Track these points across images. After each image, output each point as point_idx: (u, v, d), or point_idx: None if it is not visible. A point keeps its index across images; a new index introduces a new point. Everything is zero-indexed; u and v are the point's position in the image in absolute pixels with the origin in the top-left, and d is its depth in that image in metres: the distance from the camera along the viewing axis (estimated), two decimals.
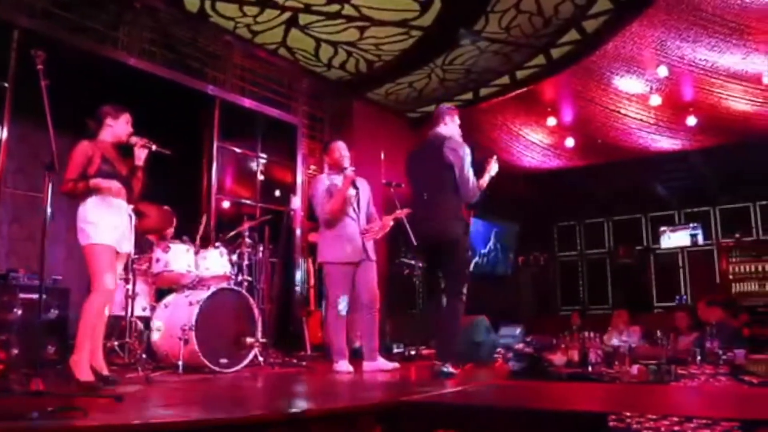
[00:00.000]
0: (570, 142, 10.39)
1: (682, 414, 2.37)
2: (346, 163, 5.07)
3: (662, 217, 12.44)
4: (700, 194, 11.74)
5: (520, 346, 6.20)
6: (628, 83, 8.58)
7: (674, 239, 12.18)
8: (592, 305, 12.88)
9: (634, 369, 4.38)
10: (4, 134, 5.27)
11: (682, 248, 12.09)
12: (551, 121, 9.77)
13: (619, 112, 9.37)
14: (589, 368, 4.93)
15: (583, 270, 13.24)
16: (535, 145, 10.78)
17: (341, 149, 5.15)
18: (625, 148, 10.51)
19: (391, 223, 5.64)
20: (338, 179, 5.06)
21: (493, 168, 4.81)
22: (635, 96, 8.87)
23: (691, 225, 12.06)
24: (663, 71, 8.07)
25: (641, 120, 9.57)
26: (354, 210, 5.04)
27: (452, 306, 4.48)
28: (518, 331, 7.42)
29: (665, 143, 10.37)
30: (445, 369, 4.38)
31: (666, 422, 2.29)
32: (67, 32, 5.79)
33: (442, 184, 4.51)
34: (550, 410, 2.90)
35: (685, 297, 11.66)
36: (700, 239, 11.92)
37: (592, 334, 6.56)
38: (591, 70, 8.33)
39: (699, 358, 5.33)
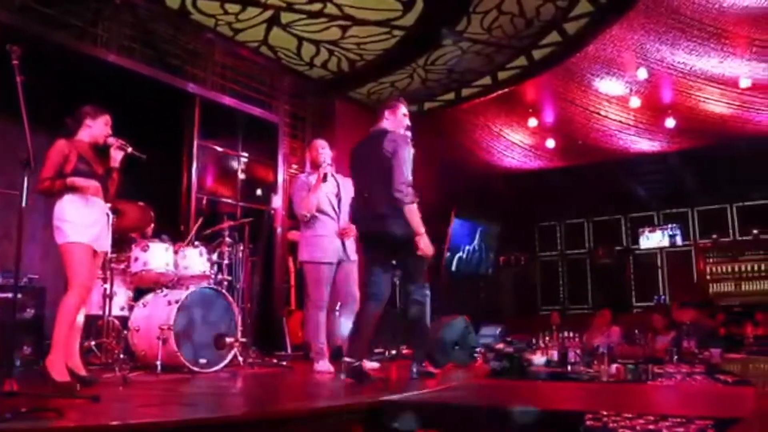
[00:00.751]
0: (551, 143, 10.47)
1: (658, 413, 2.39)
2: (327, 160, 5.05)
3: (641, 218, 12.58)
4: (679, 195, 11.89)
5: (500, 345, 6.22)
6: (608, 85, 8.66)
7: (653, 240, 12.31)
8: (572, 305, 12.99)
9: (613, 368, 4.41)
10: None
11: (661, 249, 12.23)
12: (532, 122, 9.83)
13: (599, 113, 9.45)
14: (569, 368, 4.97)
15: (563, 270, 13.34)
16: (516, 145, 10.84)
17: (320, 147, 5.14)
18: (605, 149, 10.61)
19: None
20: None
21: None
22: (615, 98, 8.97)
23: (669, 226, 12.20)
24: (642, 73, 8.16)
25: (621, 122, 9.67)
26: (334, 209, 5.03)
27: (414, 307, 4.30)
28: (498, 330, 7.45)
29: (644, 145, 10.48)
30: (422, 370, 4.32)
31: (641, 421, 2.32)
32: (45, 28, 5.70)
33: (382, 179, 4.15)
34: (526, 409, 2.91)
35: (663, 297, 11.80)
36: (679, 240, 12.06)
37: (571, 334, 6.61)
38: (572, 72, 8.41)
39: (676, 357, 5.40)
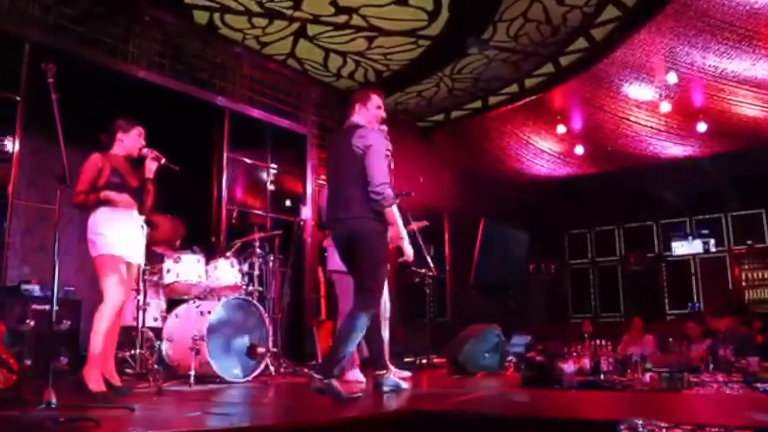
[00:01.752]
0: (580, 149, 10.38)
1: (695, 422, 2.35)
2: None
3: (673, 225, 12.37)
4: (712, 201, 11.67)
5: (531, 354, 6.17)
6: (637, 90, 8.57)
7: (686, 246, 12.10)
8: (603, 313, 12.81)
9: (647, 377, 4.35)
10: (17, 147, 5.32)
11: (694, 255, 12.01)
12: (561, 129, 9.76)
13: (628, 119, 9.35)
14: (601, 376, 4.91)
15: (594, 278, 13.17)
16: (544, 153, 10.77)
17: None
18: (636, 155, 10.49)
19: (404, 236, 5.64)
20: None
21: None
22: (645, 103, 8.86)
23: (702, 232, 11.98)
24: (672, 78, 8.05)
25: (651, 127, 9.55)
26: None
27: (352, 314, 3.81)
28: (529, 339, 7.40)
29: (676, 150, 10.33)
30: (389, 381, 3.98)
31: (678, 430, 2.28)
32: (77, 45, 5.84)
33: (352, 178, 3.85)
34: (562, 419, 2.89)
35: (698, 305, 11.57)
36: (712, 246, 11.83)
37: (603, 342, 6.53)
38: (600, 78, 8.33)
39: (712, 365, 5.29)
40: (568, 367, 5.73)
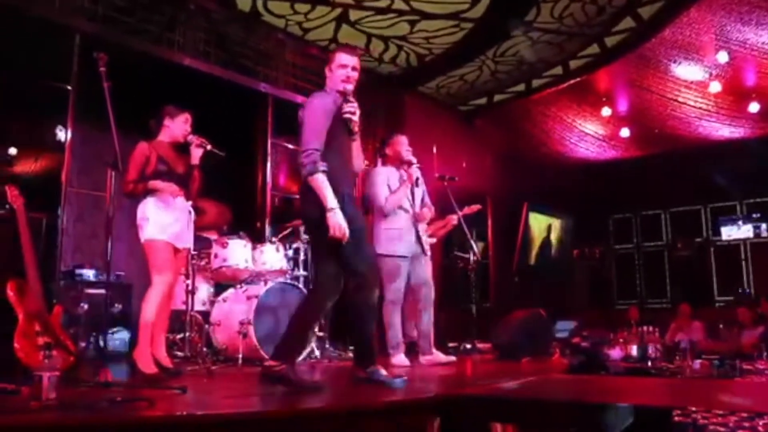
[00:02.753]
0: (625, 132, 10.20)
1: (752, 410, 2.30)
2: (409, 156, 5.05)
3: (723, 208, 12.04)
4: (764, 184, 11.32)
5: (577, 340, 6.13)
6: (686, 70, 8.34)
7: (736, 231, 11.78)
8: (649, 299, 12.59)
9: (696, 364, 4.28)
10: (69, 136, 5.46)
11: (744, 240, 11.69)
12: (606, 112, 9.59)
13: (677, 100, 9.11)
14: (649, 363, 4.85)
15: (640, 263, 12.94)
16: (589, 136, 10.60)
17: (406, 144, 5.14)
18: (684, 137, 10.23)
19: (455, 222, 5.64)
20: (395, 174, 5.06)
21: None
22: (694, 83, 8.62)
23: (753, 216, 11.64)
24: (723, 57, 7.81)
25: (700, 108, 9.29)
26: (410, 203, 5.04)
27: (308, 298, 3.67)
28: (574, 325, 7.33)
29: (726, 131, 10.05)
30: (376, 375, 3.52)
31: (734, 418, 2.23)
32: (125, 35, 5.94)
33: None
34: (610, 404, 2.85)
35: (748, 290, 11.28)
36: (764, 231, 11.49)
37: (651, 329, 6.43)
38: (647, 58, 8.13)
39: (766, 353, 5.17)
40: (615, 353, 5.67)
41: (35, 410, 2.42)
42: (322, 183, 3.35)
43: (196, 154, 4.24)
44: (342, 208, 3.35)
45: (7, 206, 3.94)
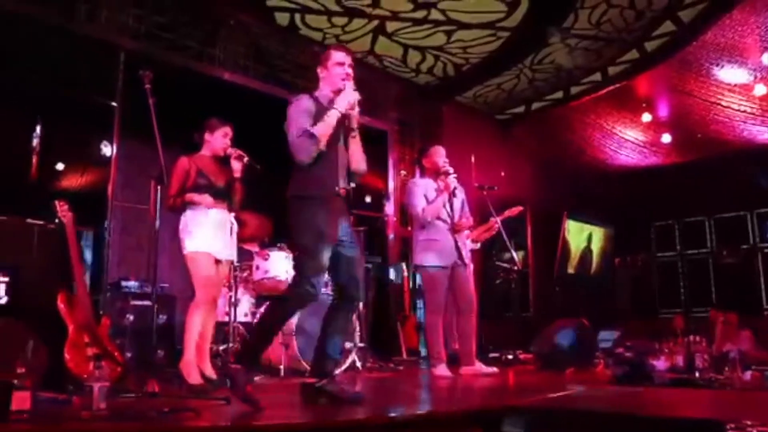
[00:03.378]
0: (667, 138, 10.00)
1: None
2: (446, 167, 5.04)
3: None
4: None
5: (620, 350, 6.00)
6: (729, 73, 8.15)
7: None
8: (694, 308, 12.29)
9: (747, 375, 4.15)
10: (114, 151, 5.59)
11: None
12: (646, 117, 9.43)
13: (720, 104, 8.91)
14: (696, 374, 4.72)
15: (683, 271, 12.65)
16: (629, 142, 10.43)
17: (442, 154, 5.15)
18: (728, 141, 9.99)
19: (498, 225, 5.60)
20: (432, 185, 5.07)
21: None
22: (738, 86, 8.42)
23: None
24: None
25: (744, 111, 9.07)
26: (448, 213, 5.03)
27: (276, 301, 3.47)
28: (617, 334, 7.20)
29: None
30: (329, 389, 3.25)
31: None
32: (167, 51, 6.08)
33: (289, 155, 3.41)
34: (660, 417, 2.79)
35: None
36: None
37: (698, 338, 6.27)
38: (688, 62, 7.99)
39: None
40: (660, 363, 5.54)
41: (87, 420, 2.47)
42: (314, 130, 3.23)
43: (236, 167, 4.29)
44: (326, 208, 3.26)
45: (57, 220, 4.04)
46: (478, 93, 8.83)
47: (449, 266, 4.92)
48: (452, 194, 5.00)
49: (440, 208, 4.95)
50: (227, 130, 4.33)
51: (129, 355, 4.93)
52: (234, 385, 3.08)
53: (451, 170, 5.00)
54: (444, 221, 5.00)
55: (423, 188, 5.05)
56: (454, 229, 5.01)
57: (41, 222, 4.32)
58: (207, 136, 4.31)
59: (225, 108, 4.91)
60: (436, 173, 5.09)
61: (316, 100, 3.36)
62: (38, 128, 5.77)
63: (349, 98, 3.33)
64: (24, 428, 2.39)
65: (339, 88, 3.37)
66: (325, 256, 3.26)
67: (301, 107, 3.30)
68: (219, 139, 4.30)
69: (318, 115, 3.28)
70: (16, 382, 2.52)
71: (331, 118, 3.27)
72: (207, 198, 4.11)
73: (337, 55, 3.43)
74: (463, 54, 7.66)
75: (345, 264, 3.36)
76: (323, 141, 3.26)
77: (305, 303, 3.33)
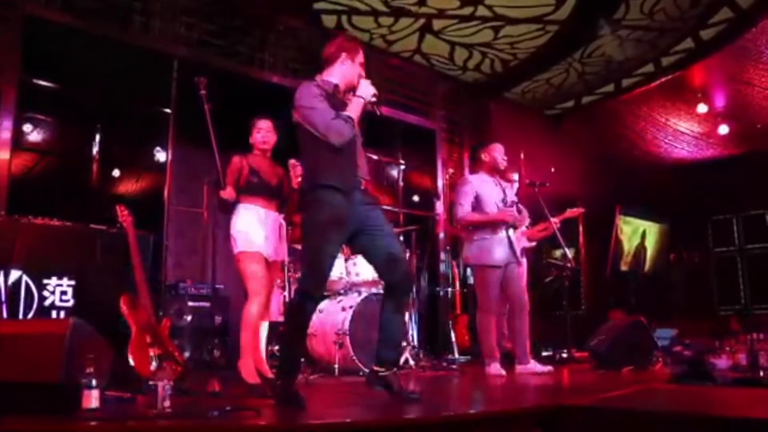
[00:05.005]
0: (724, 129, 9.70)
1: None
2: (504, 165, 5.08)
3: None
4: None
5: (678, 348, 5.86)
6: None
7: None
8: (755, 305, 11.89)
9: None
10: (170, 156, 5.74)
11: None
12: (702, 109, 9.17)
13: None
14: (761, 373, 4.59)
15: (743, 267, 12.26)
16: (684, 134, 10.17)
17: (501, 151, 5.14)
18: None
19: (557, 225, 5.55)
20: (488, 180, 5.04)
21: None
22: None
23: None
24: None
25: None
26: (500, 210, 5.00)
27: (293, 303, 3.49)
28: (674, 333, 7.03)
29: None
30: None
31: None
32: (218, 58, 6.21)
33: (300, 149, 3.41)
34: (725, 417, 2.72)
35: None
36: None
37: (762, 336, 6.07)
38: (747, 50, 7.73)
39: None
40: (721, 362, 5.39)
41: (152, 418, 2.55)
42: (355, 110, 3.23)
43: (295, 178, 4.30)
44: (345, 199, 3.21)
45: (118, 225, 4.17)
46: (527, 89, 8.74)
47: (503, 264, 4.88)
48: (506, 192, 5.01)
49: (485, 224, 4.91)
50: (260, 124, 4.29)
51: (187, 355, 5.05)
52: (290, 401, 3.08)
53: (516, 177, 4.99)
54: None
55: (471, 187, 5.00)
56: (512, 226, 5.00)
57: (104, 227, 4.46)
58: (251, 136, 4.36)
59: (275, 111, 4.98)
60: (494, 169, 5.07)
61: (320, 87, 3.31)
62: (97, 137, 5.98)
63: (370, 90, 3.31)
64: (94, 426, 2.47)
65: (353, 84, 3.36)
66: (337, 246, 3.27)
67: (315, 92, 3.26)
68: (256, 135, 4.32)
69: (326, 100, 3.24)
70: (85, 381, 2.62)
71: (358, 105, 3.27)
72: (228, 191, 4.05)
73: (362, 55, 3.45)
74: (511, 50, 7.59)
75: (383, 252, 3.33)
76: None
77: (315, 298, 3.33)
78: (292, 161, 4.24)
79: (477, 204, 4.95)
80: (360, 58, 3.43)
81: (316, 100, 3.22)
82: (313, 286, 3.23)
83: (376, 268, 3.44)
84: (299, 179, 4.11)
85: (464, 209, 4.93)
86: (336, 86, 3.36)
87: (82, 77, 5.61)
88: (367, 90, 3.31)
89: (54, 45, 5.33)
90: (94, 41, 5.48)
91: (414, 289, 6.19)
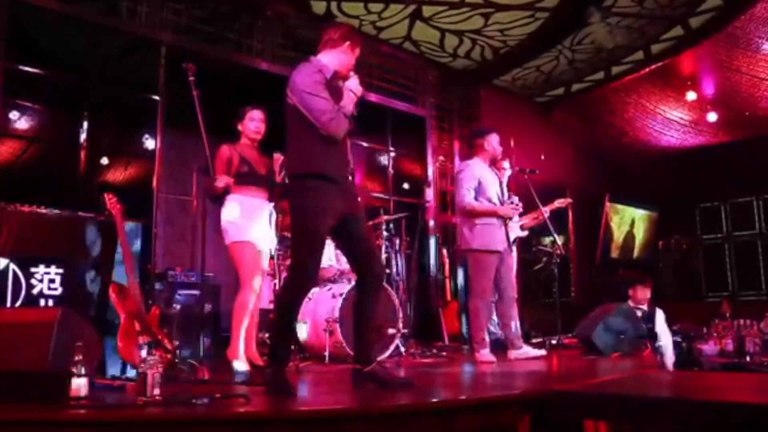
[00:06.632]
0: (713, 116, 9.76)
1: None
2: (500, 155, 5.13)
3: None
4: None
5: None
6: None
7: None
8: (741, 291, 12.01)
9: None
10: (158, 143, 5.69)
11: None
12: (691, 96, 9.21)
13: None
14: (747, 358, 4.64)
15: (730, 253, 12.36)
16: (673, 122, 10.21)
17: (498, 141, 5.13)
18: None
19: (547, 214, 5.56)
20: (485, 168, 5.05)
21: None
22: None
23: None
24: None
25: None
26: (499, 199, 5.02)
27: (284, 291, 3.41)
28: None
29: None
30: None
31: None
32: (206, 44, 6.16)
33: (288, 131, 3.37)
34: (712, 401, 2.74)
35: None
36: None
37: (748, 322, 6.13)
38: (736, 38, 7.75)
39: None
40: (709, 348, 5.44)
41: (142, 405, 2.54)
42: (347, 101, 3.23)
43: (279, 173, 4.30)
44: (335, 189, 3.21)
45: (106, 213, 4.14)
46: (517, 76, 8.73)
47: (501, 251, 4.90)
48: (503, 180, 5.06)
49: (488, 214, 4.92)
50: (254, 114, 4.32)
51: (177, 343, 5.03)
52: (281, 387, 3.08)
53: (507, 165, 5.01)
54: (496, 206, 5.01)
55: (471, 173, 4.98)
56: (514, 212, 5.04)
57: (92, 214, 4.42)
58: (240, 124, 4.35)
59: (264, 98, 4.95)
60: (492, 158, 5.10)
61: (321, 73, 3.27)
62: (85, 124, 5.93)
63: (359, 88, 3.32)
64: (82, 414, 2.47)
65: (344, 74, 3.34)
66: (324, 236, 3.26)
67: (318, 78, 3.24)
68: (248, 124, 4.32)
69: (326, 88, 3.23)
70: (73, 369, 2.61)
71: (351, 101, 3.26)
72: (224, 178, 4.05)
73: (358, 49, 3.44)
74: (501, 37, 7.56)
75: (358, 243, 3.34)
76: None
77: (308, 286, 3.34)
78: (277, 155, 4.24)
79: (478, 190, 4.94)
80: (358, 53, 3.43)
81: (319, 87, 3.20)
82: (305, 275, 3.19)
83: (355, 261, 3.40)
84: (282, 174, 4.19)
85: (470, 196, 4.92)
86: (335, 72, 3.33)
87: (69, 64, 5.54)
88: (357, 87, 3.31)
89: (40, 31, 5.27)
90: (81, 27, 5.43)
91: (404, 276, 6.21)
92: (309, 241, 3.19)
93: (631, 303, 4.64)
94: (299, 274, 3.20)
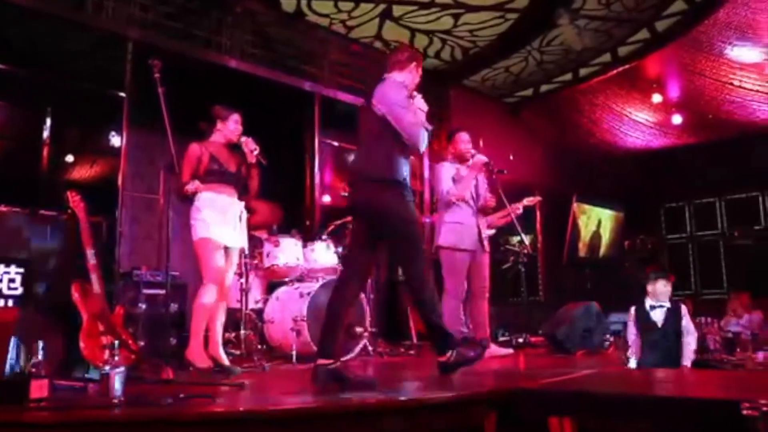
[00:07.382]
0: (677, 119, 9.93)
1: None
2: (470, 151, 5.14)
3: None
4: None
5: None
6: (742, 53, 8.07)
7: None
8: (704, 290, 12.25)
9: (760, 355, 4.16)
10: (124, 141, 5.61)
11: None
12: (657, 98, 9.36)
13: (732, 84, 8.83)
14: (709, 355, 4.73)
15: (693, 253, 12.60)
16: (639, 124, 10.37)
17: (464, 139, 5.21)
18: (740, 122, 9.92)
19: (519, 211, 5.61)
20: (463, 168, 5.08)
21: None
22: (750, 66, 8.34)
23: None
24: None
25: (757, 91, 8.98)
26: (472, 197, 5.05)
27: (414, 291, 3.52)
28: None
29: None
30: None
31: None
32: (174, 40, 6.07)
33: (368, 138, 3.62)
34: (674, 397, 2.79)
35: None
36: None
37: (709, 320, 6.25)
38: (700, 42, 7.91)
39: None
40: None
41: (105, 406, 2.50)
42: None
43: (250, 154, 4.28)
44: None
45: (69, 211, 4.07)
46: (486, 76, 8.78)
47: (472, 250, 4.93)
48: (489, 171, 5.11)
49: (468, 187, 4.96)
50: (237, 117, 4.35)
51: (142, 343, 4.96)
52: (345, 380, 3.21)
53: (477, 156, 5.06)
54: (469, 205, 5.02)
55: (450, 171, 5.05)
56: (480, 211, 5.05)
57: (54, 213, 4.34)
58: (219, 124, 4.32)
59: (233, 95, 4.91)
60: (460, 159, 5.13)
61: (407, 89, 3.62)
62: (48, 120, 5.81)
63: (425, 105, 3.66)
64: (42, 415, 2.42)
65: (411, 92, 3.63)
66: None
67: (405, 94, 3.56)
68: (232, 126, 4.31)
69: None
70: (33, 370, 2.56)
71: (422, 115, 3.58)
72: (195, 183, 4.05)
73: (420, 70, 3.79)
74: (471, 37, 7.61)
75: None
76: None
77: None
78: (244, 138, 4.23)
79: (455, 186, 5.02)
80: (418, 71, 3.79)
81: (408, 102, 3.52)
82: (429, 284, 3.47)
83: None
84: (255, 152, 4.24)
85: (447, 185, 4.99)
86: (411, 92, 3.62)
87: (33, 59, 5.43)
88: (424, 105, 3.64)
89: (3, 25, 5.15)
90: (45, 21, 5.31)
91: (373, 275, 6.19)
92: (419, 246, 3.49)
93: (650, 300, 4.61)
94: (426, 285, 3.45)
